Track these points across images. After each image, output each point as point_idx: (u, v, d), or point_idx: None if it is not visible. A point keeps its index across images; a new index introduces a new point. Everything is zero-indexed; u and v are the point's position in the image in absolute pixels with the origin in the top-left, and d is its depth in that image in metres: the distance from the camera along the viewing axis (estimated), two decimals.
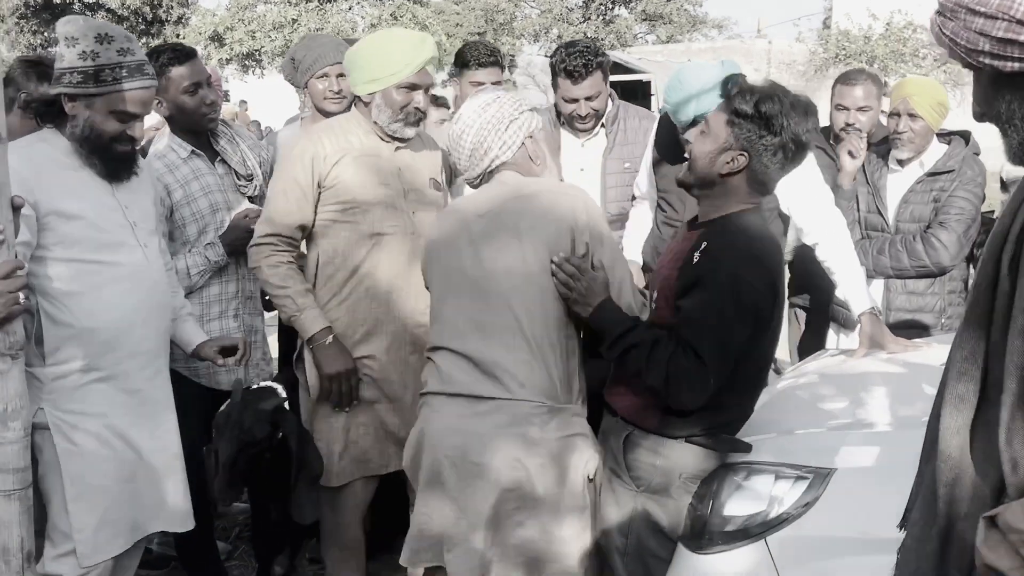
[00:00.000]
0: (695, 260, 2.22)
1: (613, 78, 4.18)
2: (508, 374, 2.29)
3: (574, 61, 3.47)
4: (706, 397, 2.19)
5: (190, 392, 3.02)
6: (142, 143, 2.64)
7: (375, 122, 2.88)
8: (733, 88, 2.31)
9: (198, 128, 3.17)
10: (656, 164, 3.34)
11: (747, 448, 2.29)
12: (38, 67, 3.07)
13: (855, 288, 2.99)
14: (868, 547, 2.07)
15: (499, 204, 2.36)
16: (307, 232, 2.93)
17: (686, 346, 2.17)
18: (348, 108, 3.57)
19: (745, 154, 2.22)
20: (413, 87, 2.83)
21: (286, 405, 2.90)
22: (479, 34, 29.23)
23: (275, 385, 3.00)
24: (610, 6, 29.44)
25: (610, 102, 3.70)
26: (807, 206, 3.09)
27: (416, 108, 2.85)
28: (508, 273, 2.31)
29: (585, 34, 29.80)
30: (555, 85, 3.61)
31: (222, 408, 2.78)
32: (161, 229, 2.87)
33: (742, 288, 2.15)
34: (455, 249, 2.39)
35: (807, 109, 2.23)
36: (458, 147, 2.45)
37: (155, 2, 25.84)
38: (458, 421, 2.33)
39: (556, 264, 2.28)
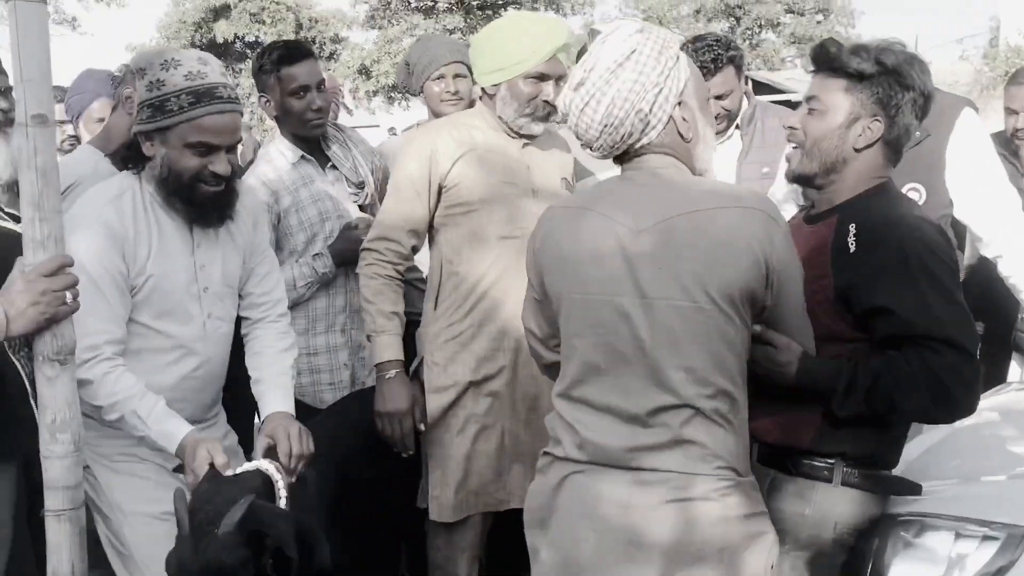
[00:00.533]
0: (851, 249, 1.85)
1: (767, 97, 3.79)
2: (682, 444, 1.73)
3: (702, 56, 3.12)
4: (955, 396, 1.80)
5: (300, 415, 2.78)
6: (237, 176, 2.32)
7: (500, 116, 2.63)
8: (833, 49, 1.96)
9: (303, 133, 2.99)
10: None
11: (916, 489, 1.93)
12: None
13: None
14: None
15: (665, 220, 1.73)
16: (421, 238, 2.70)
17: (935, 343, 1.78)
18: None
19: (879, 118, 1.90)
20: (542, 77, 2.56)
21: (256, 507, 1.97)
22: None
23: (248, 469, 2.11)
24: (757, 30, 28.74)
25: (745, 101, 3.33)
26: (987, 211, 2.69)
27: (545, 101, 2.57)
28: (681, 315, 1.71)
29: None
30: None
31: (171, 551, 1.97)
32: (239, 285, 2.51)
33: (937, 250, 1.83)
34: (604, 271, 1.77)
35: (917, 57, 1.95)
36: (582, 123, 1.82)
37: (309, 39, 26.99)
38: (611, 494, 1.75)
39: (757, 333, 1.81)
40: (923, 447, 2.23)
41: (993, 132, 3.92)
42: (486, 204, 2.59)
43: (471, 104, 3.25)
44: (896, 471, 1.96)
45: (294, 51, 2.94)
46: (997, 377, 3.41)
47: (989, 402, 2.71)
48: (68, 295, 1.81)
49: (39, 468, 2.14)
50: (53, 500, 1.89)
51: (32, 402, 2.11)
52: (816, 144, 1.95)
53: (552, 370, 1.99)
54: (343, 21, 27.25)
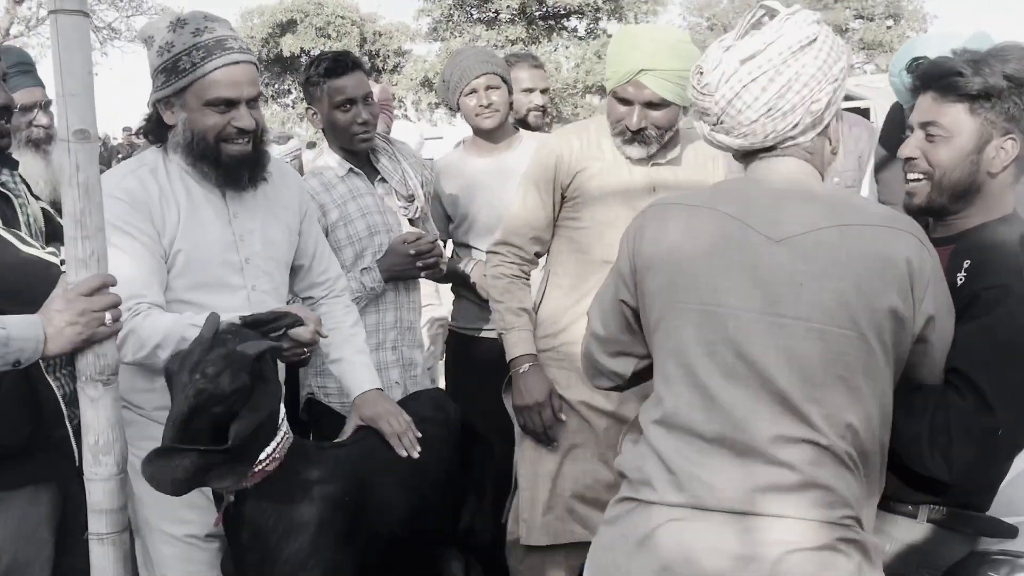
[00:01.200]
0: (959, 283, 1.67)
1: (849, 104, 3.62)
2: (806, 486, 1.51)
3: None
4: (990, 457, 1.62)
5: (331, 424, 2.73)
6: (270, 144, 2.30)
7: None
8: (940, 69, 1.75)
9: (350, 147, 2.92)
10: (879, 171, 2.78)
11: (1012, 532, 1.76)
12: None
13: None
14: None
15: (811, 231, 1.54)
16: (544, 243, 2.64)
17: (962, 382, 1.61)
18: (504, 123, 3.26)
19: (1013, 136, 1.71)
20: (625, 101, 2.42)
21: (278, 362, 2.05)
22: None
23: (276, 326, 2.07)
24: None
25: None
26: None
27: (627, 128, 2.42)
28: (822, 340, 1.50)
29: None
30: None
31: (182, 349, 1.90)
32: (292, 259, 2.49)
33: None
34: (731, 281, 1.55)
35: None
36: (741, 100, 1.58)
37: (373, 51, 27.22)
38: (722, 544, 1.50)
39: None
40: (1015, 473, 2.05)
41: None
42: (597, 223, 2.49)
43: (497, 111, 3.18)
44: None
45: (341, 63, 2.87)
46: None
47: None
48: (108, 316, 1.76)
49: (73, 489, 2.13)
50: (96, 523, 1.85)
51: (67, 423, 2.09)
52: (946, 174, 1.75)
53: (599, 375, 1.84)
54: (406, 34, 27.41)
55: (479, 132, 3.25)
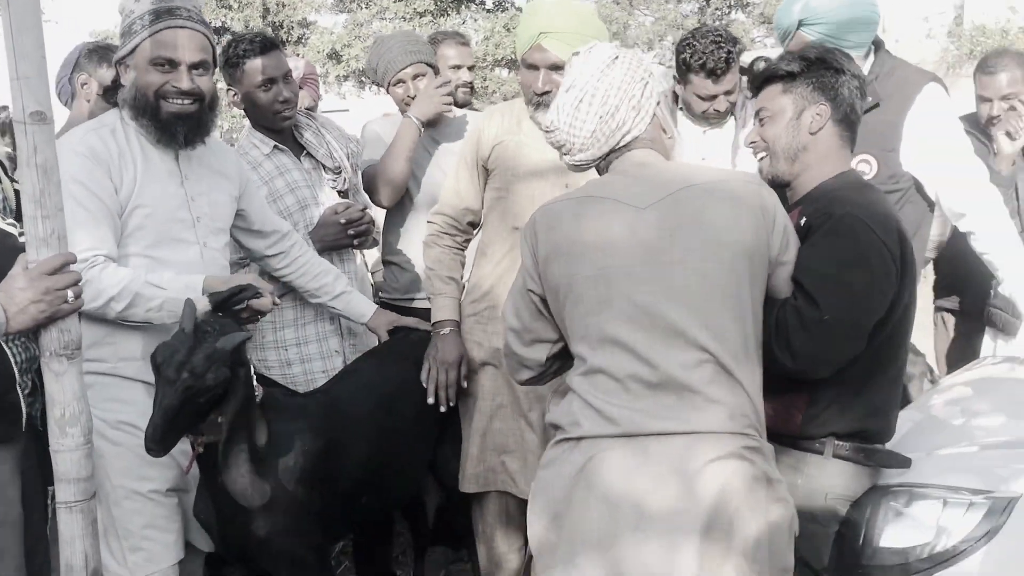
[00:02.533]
0: (802, 225, 1.97)
1: None
2: (709, 403, 1.75)
3: (715, 55, 3.10)
4: (826, 350, 1.87)
5: None
6: (205, 107, 2.38)
7: None
8: (761, 65, 2.20)
9: (272, 125, 2.99)
10: None
11: (905, 463, 2.01)
12: (101, 50, 3.05)
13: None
14: None
15: (669, 195, 1.82)
16: (476, 213, 2.78)
17: (795, 286, 1.90)
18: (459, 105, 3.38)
19: (823, 103, 2.06)
20: (531, 67, 2.56)
21: (246, 346, 2.24)
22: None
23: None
24: (726, 10, 28.75)
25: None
26: (956, 186, 2.68)
27: (534, 92, 2.56)
28: (699, 275, 1.78)
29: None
30: (686, 80, 3.18)
31: (166, 341, 2.08)
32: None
33: (858, 229, 1.90)
34: (616, 247, 1.82)
35: (838, 49, 2.16)
36: (576, 123, 1.90)
37: (276, 23, 26.68)
38: (646, 462, 1.74)
39: None
40: (910, 423, 2.29)
41: (964, 114, 4.00)
42: (512, 193, 2.64)
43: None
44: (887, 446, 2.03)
45: (259, 43, 2.93)
46: (971, 352, 3.47)
47: (965, 376, 2.80)
48: (70, 293, 1.83)
49: (33, 456, 2.20)
50: (64, 492, 1.92)
51: (18, 389, 2.16)
52: (776, 142, 2.09)
53: (520, 367, 2.05)
54: (311, 5, 26.91)
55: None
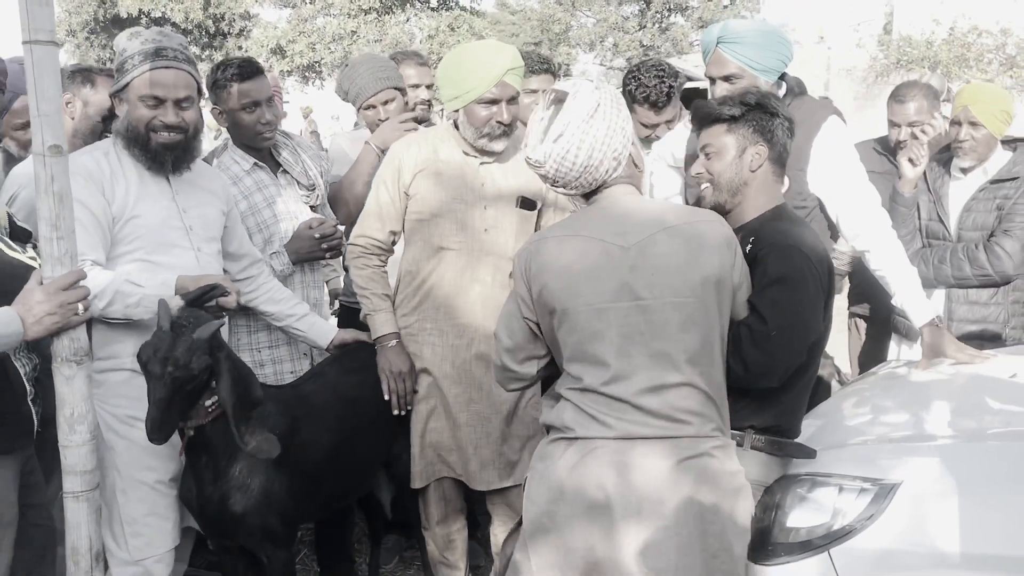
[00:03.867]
0: (747, 252, 2.27)
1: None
2: (686, 414, 2.10)
3: (658, 89, 3.40)
4: (773, 361, 2.18)
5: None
6: (190, 137, 2.66)
7: (464, 137, 2.89)
8: (707, 108, 2.44)
9: (253, 145, 3.22)
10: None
11: (811, 454, 2.29)
12: (83, 72, 3.22)
13: (913, 298, 2.89)
14: (933, 562, 2.04)
15: (648, 236, 2.12)
16: (397, 233, 2.99)
17: (749, 308, 2.21)
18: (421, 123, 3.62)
19: (761, 143, 2.36)
20: (493, 101, 2.80)
21: (223, 331, 2.51)
22: (535, 44, 29.30)
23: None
24: (666, 14, 29.27)
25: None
26: (852, 210, 2.95)
27: (499, 122, 2.82)
28: (676, 309, 2.09)
29: (640, 42, 29.68)
30: (631, 109, 3.47)
31: (147, 340, 2.32)
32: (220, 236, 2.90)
33: (799, 259, 2.22)
34: (603, 283, 2.11)
35: (773, 93, 2.56)
36: (563, 168, 2.17)
37: (217, 15, 26.39)
38: (631, 460, 2.09)
39: None
40: (819, 420, 2.61)
41: (877, 137, 4.37)
42: (435, 216, 2.87)
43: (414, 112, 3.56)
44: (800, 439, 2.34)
45: (246, 69, 3.16)
46: (880, 354, 3.81)
47: (869, 379, 3.13)
48: (80, 306, 2.06)
49: (35, 459, 2.40)
50: (71, 483, 2.14)
51: (29, 401, 2.35)
52: (720, 176, 2.39)
53: (512, 380, 2.34)
54: None
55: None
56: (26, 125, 3.04)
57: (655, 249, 2.11)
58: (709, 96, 3.05)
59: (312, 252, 3.22)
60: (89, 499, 2.16)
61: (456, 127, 2.91)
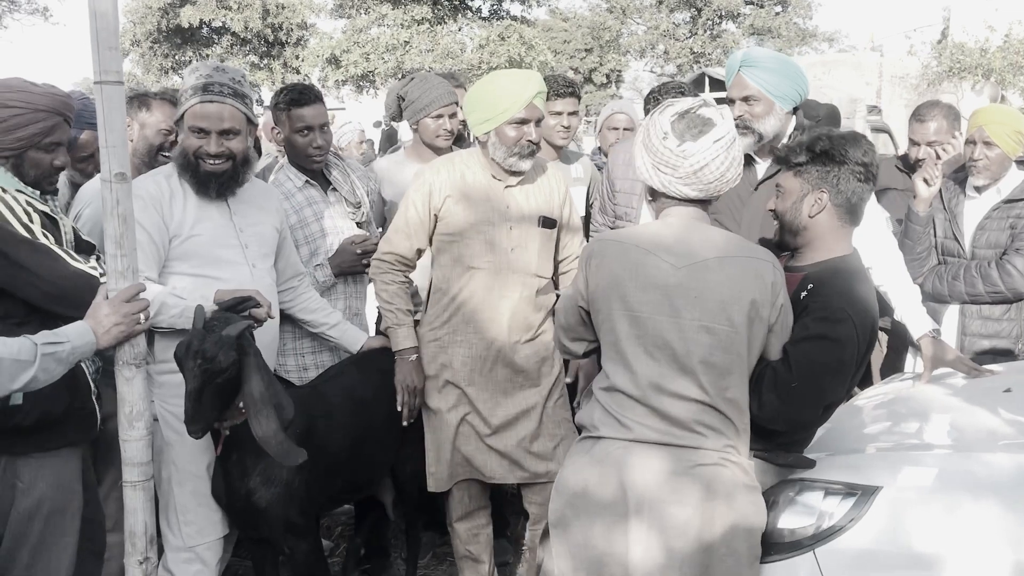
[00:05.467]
0: (801, 298, 2.39)
1: (719, 94, 4.35)
2: (702, 427, 2.25)
3: None
4: (787, 410, 2.29)
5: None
6: (237, 164, 2.90)
7: (492, 159, 3.09)
8: (783, 153, 2.58)
9: (305, 165, 3.47)
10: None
11: (810, 464, 2.42)
12: (140, 97, 3.51)
13: (913, 312, 3.05)
14: (909, 561, 2.19)
15: (701, 261, 2.27)
16: (421, 252, 3.21)
17: (783, 353, 2.31)
18: (453, 142, 3.90)
19: (823, 191, 2.45)
20: (523, 122, 3.01)
21: (251, 332, 2.64)
22: (586, 51, 29.45)
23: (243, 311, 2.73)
24: (717, 21, 29.22)
25: None
26: (859, 229, 3.10)
27: (528, 141, 3.03)
28: (709, 332, 2.24)
29: (691, 49, 29.65)
30: None
31: (183, 340, 2.54)
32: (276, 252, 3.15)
33: (844, 323, 2.29)
34: (648, 296, 2.27)
35: (854, 136, 2.50)
36: (711, 166, 2.30)
37: (276, 25, 27.02)
38: (649, 463, 2.25)
39: None
40: (821, 430, 2.75)
41: (901, 154, 4.48)
42: (465, 237, 3.09)
43: (455, 134, 3.84)
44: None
45: (304, 95, 3.42)
46: (898, 366, 3.95)
47: (881, 389, 3.27)
48: (142, 316, 2.32)
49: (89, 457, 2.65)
50: (130, 473, 2.40)
51: (93, 399, 2.61)
52: (783, 217, 2.54)
53: (562, 351, 2.61)
54: (310, 8, 27.33)
55: (432, 148, 3.85)
56: (88, 158, 3.35)
57: (704, 275, 2.25)
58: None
59: (353, 266, 3.46)
60: (145, 488, 2.41)
61: (481, 152, 3.12)
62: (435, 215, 3.12)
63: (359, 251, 3.44)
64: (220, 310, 2.63)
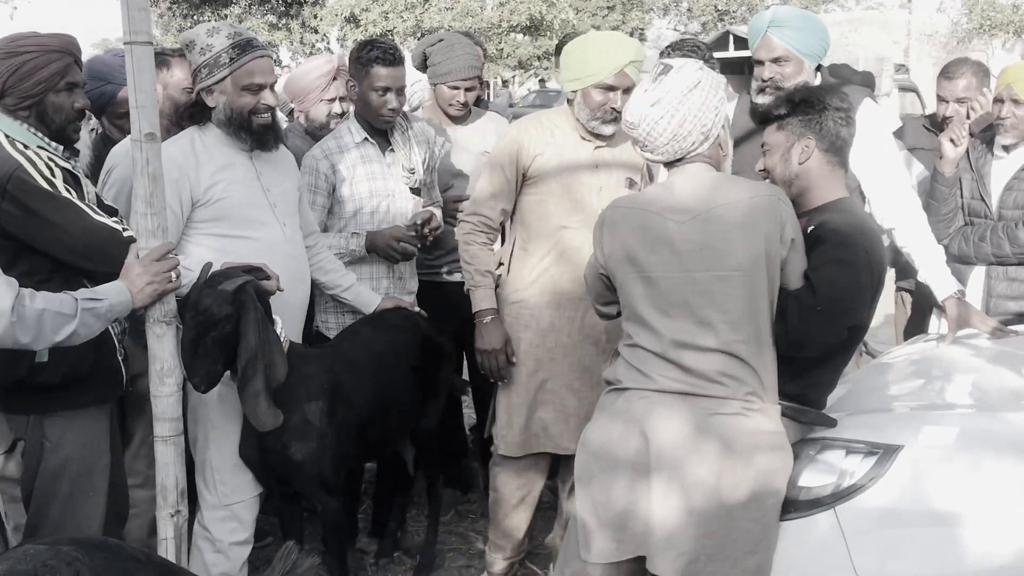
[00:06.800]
0: (809, 231, 2.43)
1: (743, 52, 4.31)
2: (722, 376, 2.29)
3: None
4: (814, 334, 2.31)
5: None
6: (278, 112, 2.92)
7: (577, 119, 3.08)
8: (761, 109, 2.65)
9: (374, 124, 3.43)
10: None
11: (832, 423, 2.44)
12: (160, 57, 3.35)
13: (937, 273, 3.05)
14: (930, 519, 2.21)
15: (704, 211, 2.31)
16: (507, 212, 3.20)
17: (804, 279, 2.34)
18: (467, 115, 3.87)
19: (808, 137, 2.49)
20: (611, 88, 2.99)
21: (250, 288, 2.61)
22: (608, 8, 29.10)
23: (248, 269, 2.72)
24: None
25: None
26: (884, 189, 3.10)
27: (612, 108, 2.99)
28: (720, 281, 2.29)
29: (716, 7, 29.22)
30: None
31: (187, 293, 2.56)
32: (308, 208, 3.21)
33: (860, 248, 2.35)
34: (658, 255, 2.33)
35: (829, 85, 2.62)
36: (654, 132, 2.36)
37: None
38: (670, 411, 2.31)
39: None
40: (843, 390, 2.77)
41: (929, 113, 4.43)
42: (553, 196, 3.09)
43: (469, 108, 3.84)
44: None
45: (388, 55, 3.34)
46: (922, 327, 3.94)
47: (905, 350, 3.27)
48: (172, 274, 2.35)
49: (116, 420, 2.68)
50: (161, 428, 2.45)
51: (119, 358, 2.63)
52: (773, 172, 2.58)
53: (600, 316, 2.67)
54: None
55: (444, 114, 3.84)
56: (127, 114, 3.39)
57: (708, 225, 2.29)
58: (754, 75, 3.23)
59: (387, 253, 3.37)
60: (176, 443, 2.46)
61: (569, 111, 3.10)
62: (523, 174, 3.11)
63: (396, 249, 3.36)
64: (226, 268, 2.64)
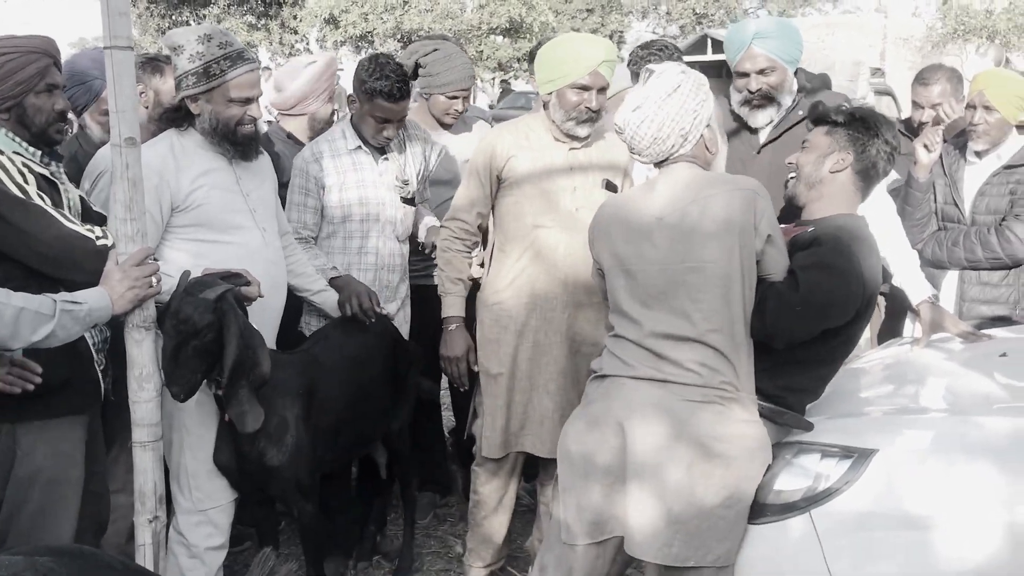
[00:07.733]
0: (809, 231, 2.49)
1: (720, 56, 4.38)
2: (696, 364, 2.35)
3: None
4: (787, 329, 2.37)
5: None
6: (260, 122, 2.94)
7: (553, 121, 3.10)
8: (821, 108, 2.69)
9: (369, 141, 3.42)
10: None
11: (808, 427, 2.47)
12: (155, 63, 3.44)
13: (911, 277, 3.10)
14: (904, 523, 2.24)
15: (681, 208, 2.39)
16: (485, 217, 3.23)
17: (789, 274, 2.39)
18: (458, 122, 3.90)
19: (849, 152, 2.57)
20: (584, 88, 3.01)
21: (231, 296, 2.61)
22: (588, 11, 29.19)
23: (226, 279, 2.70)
24: None
25: None
26: None
27: (587, 108, 3.02)
28: (695, 272, 2.35)
29: (694, 10, 29.38)
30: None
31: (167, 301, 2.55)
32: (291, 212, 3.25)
33: (854, 260, 2.38)
34: (637, 248, 2.43)
35: (890, 121, 2.66)
36: (637, 136, 2.46)
37: None
38: (646, 397, 2.38)
39: None
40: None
41: (904, 118, 4.49)
42: (527, 197, 3.11)
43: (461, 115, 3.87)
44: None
45: (395, 92, 3.29)
46: (896, 331, 3.99)
47: (880, 353, 3.31)
48: (153, 279, 2.34)
49: (95, 426, 2.64)
50: (140, 434, 2.44)
51: (95, 366, 2.60)
52: (803, 168, 2.63)
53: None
54: None
55: (437, 121, 3.87)
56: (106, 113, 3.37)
57: (683, 218, 2.36)
58: (735, 86, 3.26)
59: (348, 301, 3.24)
60: (154, 448, 2.45)
61: (544, 113, 3.12)
62: (497, 176, 3.14)
63: (352, 308, 3.24)
64: (205, 275, 2.62)
